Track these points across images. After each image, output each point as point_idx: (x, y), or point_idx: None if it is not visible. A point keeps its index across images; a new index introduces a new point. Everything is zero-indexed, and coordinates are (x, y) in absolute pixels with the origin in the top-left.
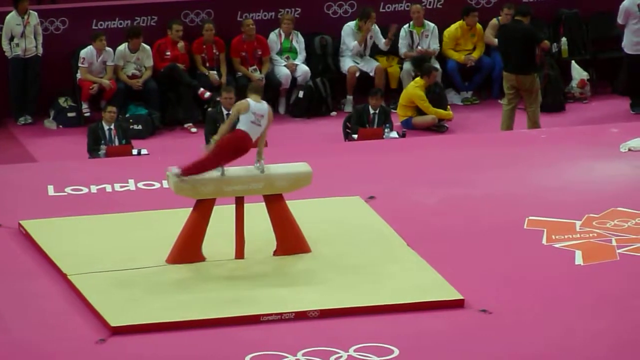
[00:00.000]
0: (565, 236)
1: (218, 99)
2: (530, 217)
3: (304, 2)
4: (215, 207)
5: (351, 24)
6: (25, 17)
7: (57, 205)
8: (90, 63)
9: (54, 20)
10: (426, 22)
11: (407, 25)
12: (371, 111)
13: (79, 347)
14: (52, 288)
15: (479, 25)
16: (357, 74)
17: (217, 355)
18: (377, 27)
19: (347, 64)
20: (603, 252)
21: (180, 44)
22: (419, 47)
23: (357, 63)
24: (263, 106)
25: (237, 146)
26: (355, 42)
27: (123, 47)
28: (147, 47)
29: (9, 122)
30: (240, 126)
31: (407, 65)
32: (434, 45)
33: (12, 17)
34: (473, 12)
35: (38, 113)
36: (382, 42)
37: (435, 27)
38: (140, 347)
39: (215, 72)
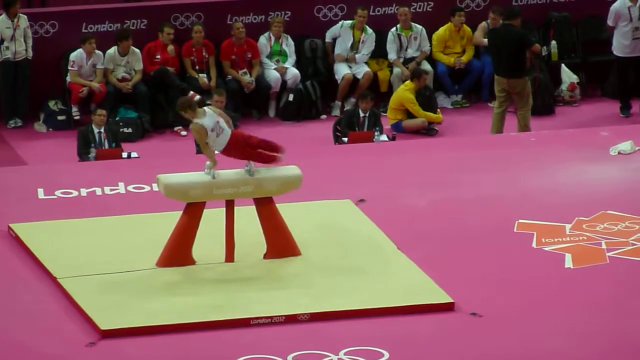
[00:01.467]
0: (555, 239)
1: (208, 102)
2: (520, 220)
3: (294, 5)
4: (205, 210)
5: (346, 23)
6: (15, 20)
7: (47, 208)
8: (80, 66)
9: (44, 24)
10: (413, 24)
11: (394, 28)
12: (361, 114)
13: (68, 350)
14: (41, 291)
15: (468, 29)
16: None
17: (207, 358)
18: (373, 33)
19: (341, 70)
20: (593, 255)
21: (170, 47)
22: (408, 51)
23: (350, 67)
24: (211, 118)
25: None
26: (329, 40)
27: (113, 50)
28: (137, 50)
29: None
30: (211, 144)
31: (397, 69)
32: (425, 47)
33: (1, 21)
34: (459, 12)
35: (28, 116)
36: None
37: (423, 28)
38: (130, 350)
39: (204, 75)
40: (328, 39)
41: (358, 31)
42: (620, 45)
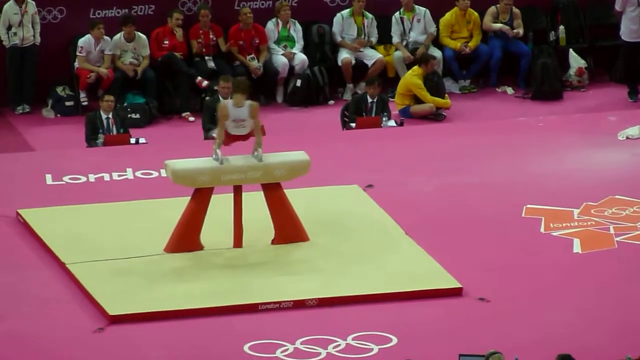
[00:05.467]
0: (563, 224)
1: (216, 87)
2: (528, 206)
3: None
4: (213, 196)
5: (344, 12)
6: (23, 6)
7: (55, 194)
8: (88, 52)
9: (52, 9)
10: (416, 6)
11: (397, 12)
12: (369, 100)
13: (77, 335)
14: (50, 277)
15: (475, 13)
16: (353, 63)
17: (215, 343)
18: (374, 19)
19: (341, 55)
20: (601, 240)
21: (179, 33)
22: (412, 33)
23: (362, 51)
24: (243, 111)
25: None
26: (340, 38)
27: (119, 36)
28: (143, 36)
29: (6, 111)
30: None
31: (397, 53)
32: (431, 29)
33: (9, 6)
34: None
35: (36, 102)
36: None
37: (427, 10)
38: (138, 335)
39: (211, 58)
40: (339, 37)
41: (359, 17)
42: (627, 30)
